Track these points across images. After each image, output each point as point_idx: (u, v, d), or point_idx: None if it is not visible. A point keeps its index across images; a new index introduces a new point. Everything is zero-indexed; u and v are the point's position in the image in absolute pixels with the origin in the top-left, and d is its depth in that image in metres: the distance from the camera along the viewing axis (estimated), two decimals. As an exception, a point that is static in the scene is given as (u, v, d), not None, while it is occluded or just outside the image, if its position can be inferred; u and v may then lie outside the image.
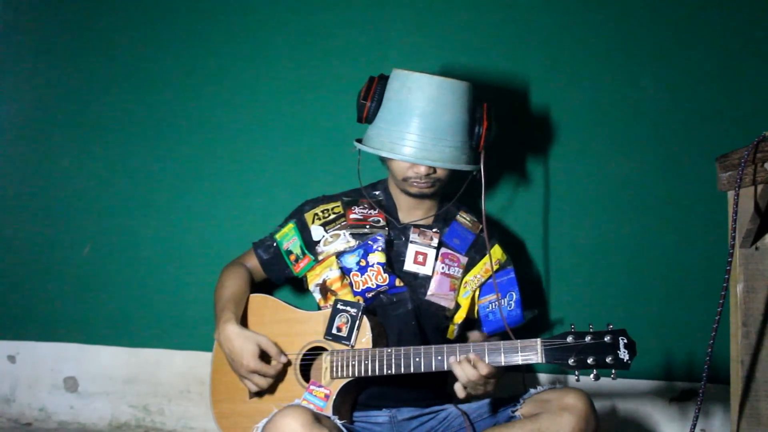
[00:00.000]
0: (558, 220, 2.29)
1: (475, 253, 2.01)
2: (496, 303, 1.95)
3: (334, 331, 1.85)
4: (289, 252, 2.03)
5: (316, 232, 2.00)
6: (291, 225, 2.03)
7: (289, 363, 1.90)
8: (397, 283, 1.93)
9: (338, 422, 1.74)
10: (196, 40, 2.42)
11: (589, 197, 2.29)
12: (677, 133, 2.26)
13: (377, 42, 2.35)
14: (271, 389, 1.91)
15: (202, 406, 2.36)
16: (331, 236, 1.99)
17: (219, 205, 2.40)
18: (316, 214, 2.02)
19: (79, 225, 2.44)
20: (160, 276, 2.40)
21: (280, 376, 1.90)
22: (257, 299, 2.01)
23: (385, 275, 1.92)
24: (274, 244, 2.05)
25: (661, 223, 2.26)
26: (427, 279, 1.95)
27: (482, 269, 1.99)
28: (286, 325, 1.94)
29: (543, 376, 2.28)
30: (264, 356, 1.88)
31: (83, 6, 2.47)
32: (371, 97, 1.92)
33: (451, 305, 1.96)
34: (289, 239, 2.03)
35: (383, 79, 1.94)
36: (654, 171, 2.27)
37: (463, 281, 1.99)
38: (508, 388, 2.01)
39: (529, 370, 2.24)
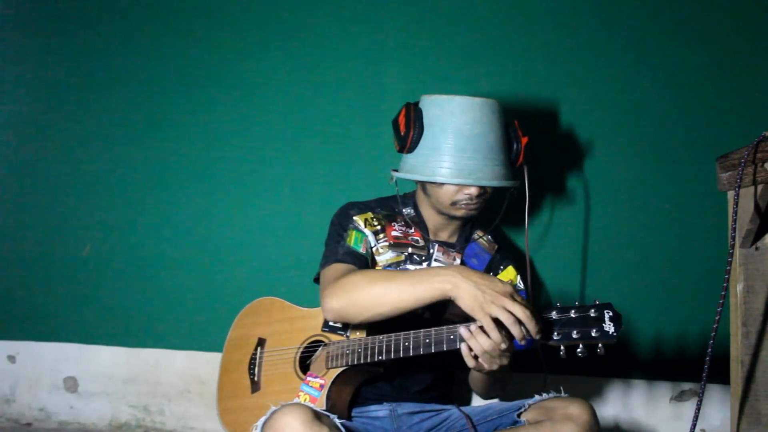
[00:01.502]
0: (556, 219, 2.29)
1: (489, 272, 2.01)
2: None
3: (331, 323, 1.86)
4: (369, 250, 1.95)
5: (371, 237, 1.97)
6: (353, 231, 1.95)
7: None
8: (426, 315, 1.93)
9: (337, 421, 1.74)
10: (196, 41, 2.42)
11: (590, 197, 2.29)
12: (677, 133, 2.27)
13: (379, 42, 2.35)
14: (271, 383, 1.93)
15: (202, 406, 2.36)
16: (381, 247, 1.97)
17: (219, 205, 2.40)
18: (367, 219, 1.98)
19: (79, 225, 2.44)
20: (160, 276, 2.40)
21: (280, 370, 1.92)
22: (265, 302, 2.05)
23: None
24: (352, 250, 1.92)
25: (662, 223, 2.27)
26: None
27: None
28: (289, 323, 1.96)
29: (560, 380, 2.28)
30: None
31: (83, 7, 2.47)
32: (413, 126, 1.90)
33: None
34: (361, 241, 1.94)
35: (416, 106, 1.93)
36: (654, 171, 2.27)
37: None
38: (512, 392, 2.02)
39: (534, 370, 2.24)
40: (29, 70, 2.49)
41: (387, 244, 1.96)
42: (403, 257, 1.96)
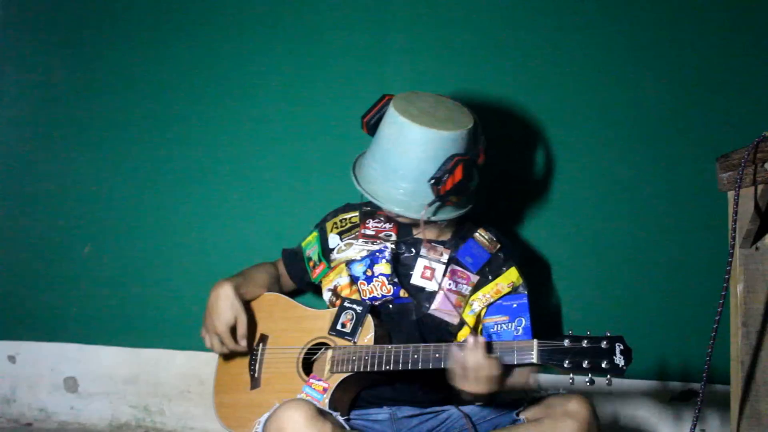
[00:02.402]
0: (557, 219, 2.29)
1: (489, 273, 1.98)
2: (503, 325, 1.92)
3: (338, 327, 1.87)
4: (309, 259, 2.08)
5: (333, 240, 2.04)
6: (315, 234, 2.09)
7: (250, 354, 1.97)
8: (402, 294, 1.93)
9: (340, 418, 1.75)
10: (195, 41, 2.42)
11: (590, 197, 2.29)
12: (677, 133, 2.26)
13: (379, 43, 2.35)
14: (272, 381, 1.93)
15: (202, 406, 2.36)
16: (345, 245, 2.01)
17: (219, 205, 2.40)
18: (335, 222, 2.06)
19: (79, 225, 2.44)
20: (160, 276, 2.40)
21: (282, 369, 1.92)
22: (269, 297, 2.04)
23: (390, 286, 1.93)
24: (299, 251, 2.11)
25: (661, 223, 2.26)
26: (433, 294, 1.94)
27: (493, 289, 1.96)
28: (294, 322, 1.96)
29: (561, 381, 2.28)
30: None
31: (83, 7, 2.47)
32: (371, 115, 1.94)
33: (455, 321, 1.95)
34: (311, 247, 2.08)
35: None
36: (654, 171, 2.27)
37: (471, 299, 1.96)
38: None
39: (552, 372, 2.24)
40: (29, 71, 2.49)
41: (353, 241, 2.00)
42: (359, 256, 1.97)
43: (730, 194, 1.65)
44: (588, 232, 2.29)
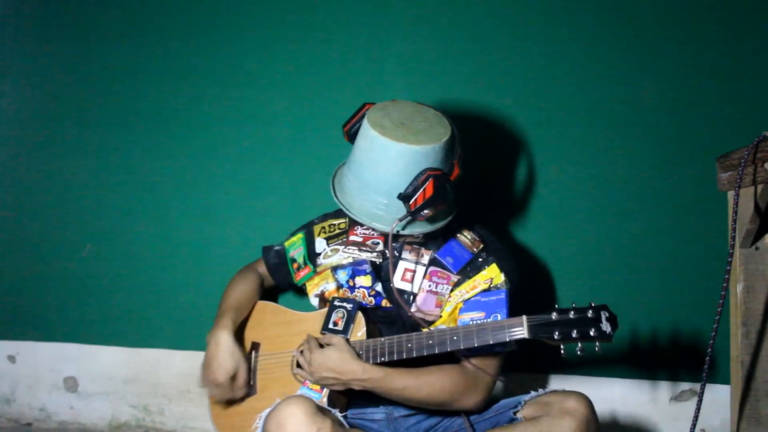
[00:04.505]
0: (557, 220, 2.29)
1: (470, 272, 1.95)
2: (479, 321, 1.87)
3: (330, 325, 1.87)
4: (293, 260, 2.07)
5: (320, 244, 2.04)
6: (300, 235, 2.09)
7: (247, 395, 1.95)
8: (384, 303, 1.94)
9: (339, 415, 1.75)
10: (196, 41, 2.42)
11: (590, 197, 2.29)
12: (677, 133, 2.27)
13: (379, 42, 2.35)
14: (268, 386, 1.93)
15: (202, 406, 2.36)
16: (331, 250, 2.02)
17: (219, 205, 2.40)
18: (323, 227, 2.07)
19: (79, 225, 2.44)
20: (160, 276, 2.40)
21: (277, 374, 1.92)
22: (258, 306, 2.04)
23: (371, 298, 1.93)
24: (282, 251, 2.10)
25: (661, 223, 2.27)
26: (414, 296, 1.93)
27: (469, 285, 1.93)
28: (285, 326, 1.96)
29: (561, 381, 2.28)
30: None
31: (83, 5, 2.47)
32: (351, 124, 1.92)
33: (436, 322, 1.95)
34: (296, 248, 2.08)
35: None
36: (654, 171, 2.27)
37: (449, 295, 1.94)
38: (509, 389, 2.02)
39: (536, 370, 2.24)
40: (29, 71, 2.49)
41: (339, 247, 2.01)
42: (344, 262, 1.98)
43: (730, 194, 1.65)
44: (588, 231, 2.29)
